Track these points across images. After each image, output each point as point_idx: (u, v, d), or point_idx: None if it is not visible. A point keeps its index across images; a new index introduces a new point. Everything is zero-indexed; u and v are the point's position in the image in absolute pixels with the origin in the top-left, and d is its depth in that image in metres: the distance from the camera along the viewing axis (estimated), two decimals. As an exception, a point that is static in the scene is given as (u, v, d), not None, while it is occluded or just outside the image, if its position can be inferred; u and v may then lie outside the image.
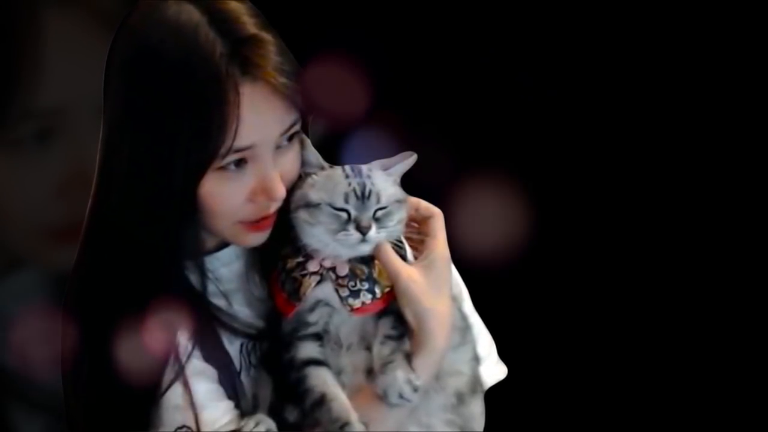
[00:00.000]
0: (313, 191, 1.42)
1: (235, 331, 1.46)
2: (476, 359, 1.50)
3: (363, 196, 1.41)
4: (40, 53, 2.13)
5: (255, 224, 1.43)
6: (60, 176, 2.14)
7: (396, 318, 1.43)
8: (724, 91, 2.36)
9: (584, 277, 2.41)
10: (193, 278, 1.45)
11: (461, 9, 2.32)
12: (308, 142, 1.45)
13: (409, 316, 1.42)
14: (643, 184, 2.40)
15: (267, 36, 1.39)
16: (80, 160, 2.11)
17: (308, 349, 1.42)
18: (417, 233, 1.49)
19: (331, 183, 1.42)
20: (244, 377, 1.46)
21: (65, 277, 1.53)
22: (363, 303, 1.42)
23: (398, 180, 1.46)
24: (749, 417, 2.39)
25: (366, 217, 1.40)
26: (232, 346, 1.46)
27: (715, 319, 2.40)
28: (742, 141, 2.38)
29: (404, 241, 1.48)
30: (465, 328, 1.50)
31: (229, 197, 1.39)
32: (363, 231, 1.40)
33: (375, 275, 1.43)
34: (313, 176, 1.44)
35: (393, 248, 1.43)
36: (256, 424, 1.39)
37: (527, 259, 2.30)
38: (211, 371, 1.43)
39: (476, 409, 1.48)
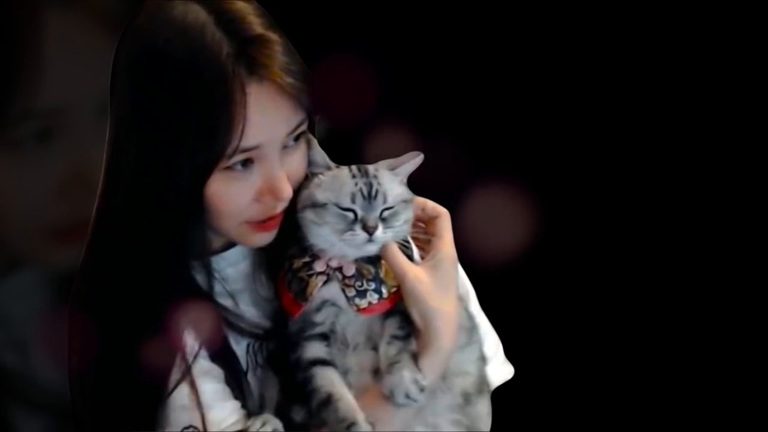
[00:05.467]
0: (319, 191, 1.42)
1: (241, 331, 1.46)
2: (483, 359, 1.50)
3: (370, 196, 1.41)
4: (40, 53, 2.13)
5: (261, 224, 1.43)
6: (60, 176, 2.14)
7: (402, 318, 1.43)
8: (725, 92, 2.36)
9: (591, 277, 2.41)
10: (200, 278, 1.45)
11: (469, 10, 2.32)
12: (315, 142, 1.45)
13: (416, 316, 1.42)
14: (647, 184, 2.41)
15: (273, 36, 1.39)
16: (80, 160, 2.11)
17: (315, 349, 1.42)
18: (423, 233, 1.49)
19: (337, 183, 1.42)
20: (250, 377, 1.46)
21: (65, 277, 1.52)
22: (369, 303, 1.42)
23: (405, 180, 1.46)
24: (750, 417, 2.40)
25: (372, 217, 1.40)
26: (239, 346, 1.46)
27: (718, 315, 2.40)
28: (743, 141, 2.39)
29: (411, 241, 1.48)
30: (471, 328, 1.50)
31: (236, 197, 1.39)
32: (369, 231, 1.40)
33: (382, 275, 1.43)
34: (320, 176, 1.44)
35: (399, 248, 1.43)
36: (263, 424, 1.39)
37: (534, 258, 2.30)
38: (217, 371, 1.43)
39: (483, 409, 1.48)
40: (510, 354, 1.61)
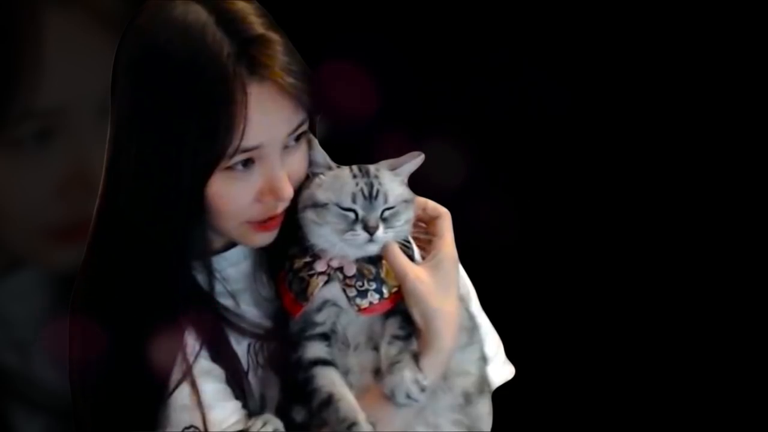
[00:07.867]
0: (320, 191, 1.42)
1: (242, 331, 1.46)
2: (484, 359, 1.50)
3: (370, 196, 1.41)
4: (40, 53, 2.13)
5: (262, 224, 1.43)
6: (60, 176, 2.14)
7: (403, 318, 1.43)
8: (723, 93, 2.36)
9: (592, 278, 2.41)
10: (201, 278, 1.45)
11: (467, 11, 2.32)
12: (316, 142, 1.45)
13: (417, 316, 1.42)
14: (648, 184, 2.41)
15: (274, 36, 1.39)
16: (80, 160, 2.11)
17: (316, 349, 1.42)
18: (424, 233, 1.49)
19: (338, 183, 1.42)
20: (251, 377, 1.46)
21: (65, 277, 1.52)
22: (370, 303, 1.42)
23: (406, 180, 1.46)
24: (750, 417, 2.40)
25: (373, 217, 1.40)
26: (240, 346, 1.46)
27: (718, 313, 2.40)
28: (740, 141, 2.39)
29: (412, 241, 1.48)
30: (472, 328, 1.50)
31: (237, 197, 1.39)
32: (370, 231, 1.40)
33: (382, 275, 1.43)
34: (321, 176, 1.44)
35: (400, 248, 1.43)
36: (264, 424, 1.38)
37: (536, 259, 2.30)
38: (218, 371, 1.43)
39: (483, 409, 1.48)
40: (511, 354, 1.61)
